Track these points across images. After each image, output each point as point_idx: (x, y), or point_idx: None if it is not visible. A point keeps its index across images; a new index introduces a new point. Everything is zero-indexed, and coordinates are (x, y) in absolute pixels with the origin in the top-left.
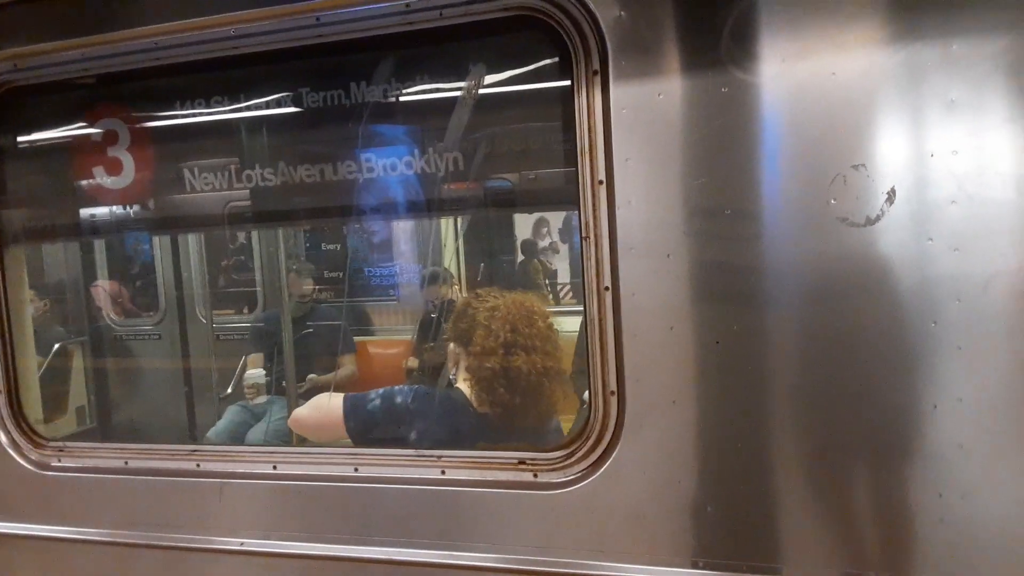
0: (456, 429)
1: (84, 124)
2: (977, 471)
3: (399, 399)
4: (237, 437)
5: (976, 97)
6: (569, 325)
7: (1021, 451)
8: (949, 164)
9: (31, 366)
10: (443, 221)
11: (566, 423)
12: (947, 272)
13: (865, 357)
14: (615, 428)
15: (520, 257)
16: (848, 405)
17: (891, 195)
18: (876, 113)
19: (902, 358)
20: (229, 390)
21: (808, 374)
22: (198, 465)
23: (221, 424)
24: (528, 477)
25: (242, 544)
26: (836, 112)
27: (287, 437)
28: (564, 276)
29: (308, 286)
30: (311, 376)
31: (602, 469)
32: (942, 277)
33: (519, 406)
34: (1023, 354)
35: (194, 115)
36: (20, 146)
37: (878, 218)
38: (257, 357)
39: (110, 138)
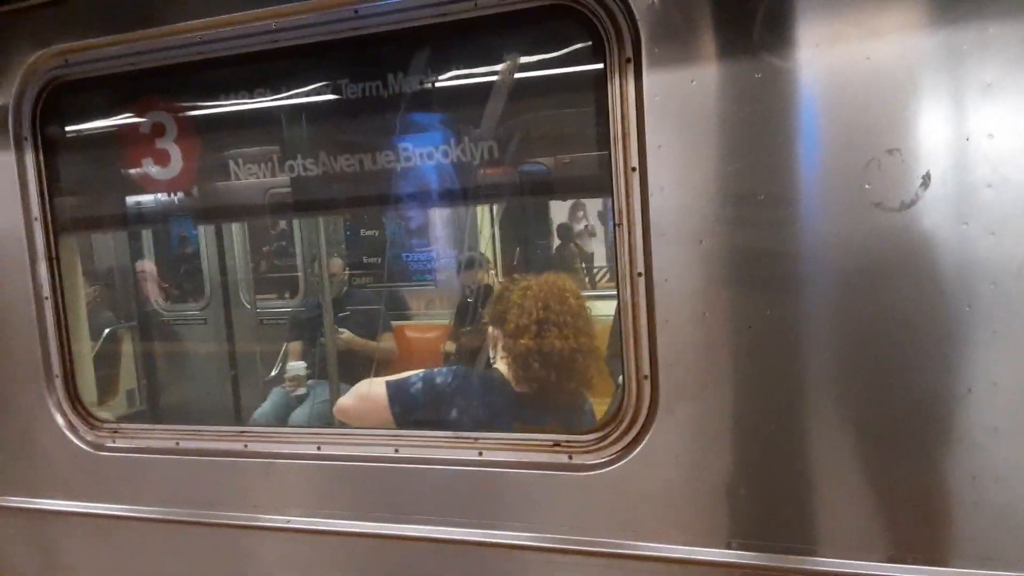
0: (494, 408)
1: (132, 117)
2: (1012, 455)
3: (439, 380)
4: (281, 419)
5: (1012, 80)
6: (605, 309)
7: None
8: (984, 148)
9: (85, 351)
10: (479, 207)
11: (600, 407)
12: (982, 256)
13: (899, 341)
14: (648, 412)
15: (556, 241)
16: (882, 389)
17: (926, 179)
18: (910, 97)
19: (937, 342)
20: (273, 373)
21: (841, 358)
22: (246, 446)
23: (266, 406)
24: (563, 459)
25: (288, 522)
26: (870, 97)
27: (329, 419)
28: (600, 260)
29: (340, 268)
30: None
31: (635, 451)
32: (977, 261)
33: (554, 383)
34: None
35: (238, 107)
36: (71, 138)
37: (913, 202)
38: (297, 345)
39: (158, 130)
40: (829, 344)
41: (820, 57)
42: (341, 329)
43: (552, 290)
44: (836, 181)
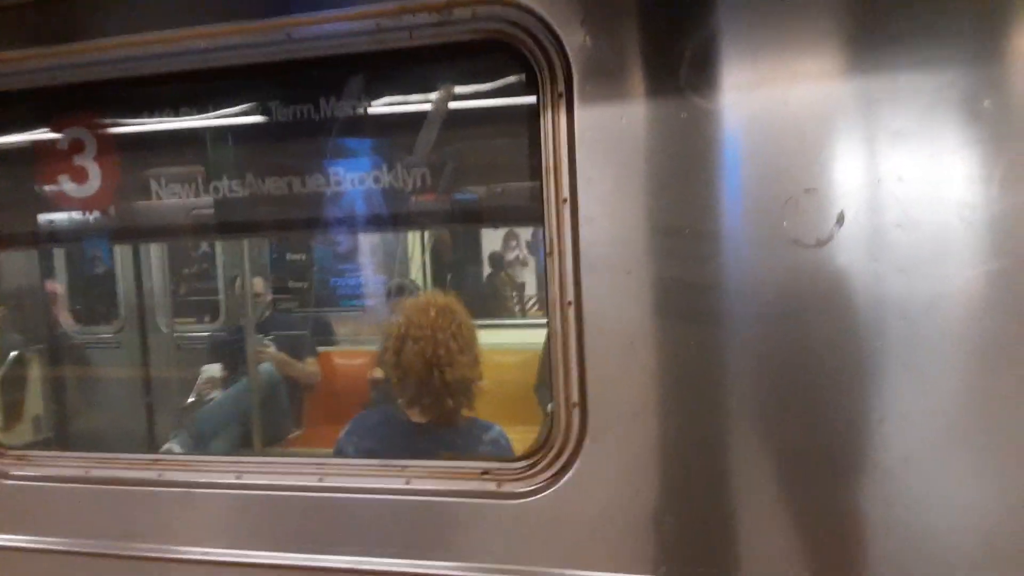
0: (399, 444)
1: (50, 132)
2: (921, 482)
3: (358, 426)
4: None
5: (920, 127)
6: (535, 338)
7: (963, 463)
8: (895, 190)
9: None
10: (411, 234)
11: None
12: (893, 292)
13: (817, 373)
14: (577, 439)
15: (488, 270)
16: (801, 419)
17: (840, 218)
18: (827, 140)
19: (851, 374)
20: (191, 398)
21: (763, 388)
22: (160, 475)
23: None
24: (492, 487)
25: (206, 554)
26: (789, 139)
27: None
28: (531, 289)
29: (262, 288)
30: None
31: (565, 479)
32: (888, 297)
33: (430, 403)
34: (965, 371)
35: (162, 126)
36: None
37: (828, 240)
38: (214, 367)
39: (76, 146)
40: (752, 375)
41: (743, 100)
42: (266, 341)
43: (415, 305)
44: (757, 217)
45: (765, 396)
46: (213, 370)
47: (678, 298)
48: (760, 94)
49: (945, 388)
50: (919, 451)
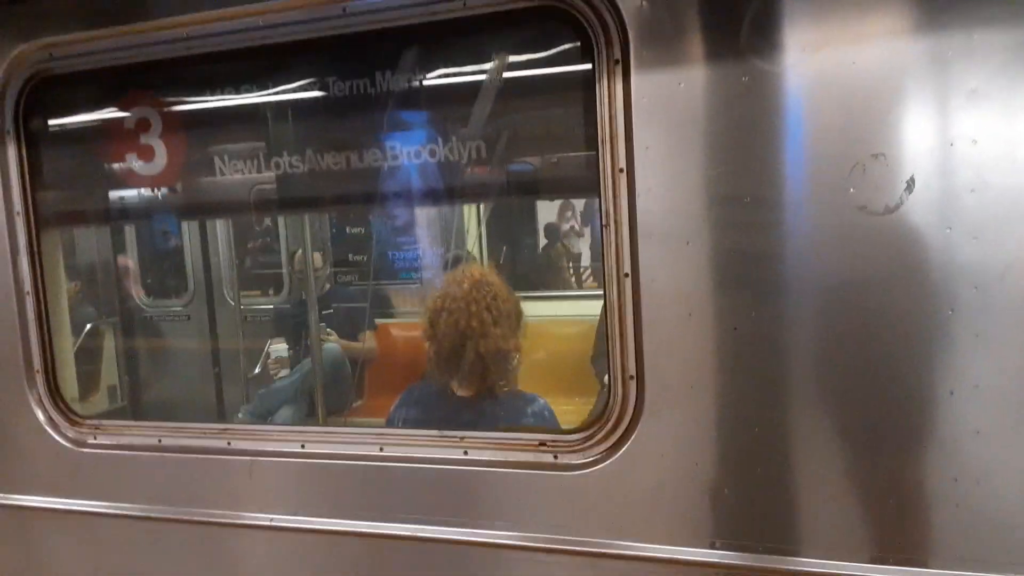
0: (444, 417)
1: (117, 111)
2: (992, 456)
3: (408, 398)
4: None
5: (996, 86)
6: (591, 309)
7: None
8: (968, 153)
9: (67, 346)
10: (466, 206)
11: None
12: (965, 260)
13: (882, 344)
14: (634, 411)
15: (543, 241)
16: (866, 391)
17: (910, 184)
18: (896, 102)
19: (919, 344)
20: (257, 370)
21: (825, 360)
22: (229, 443)
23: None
24: (548, 458)
25: (271, 520)
26: (856, 101)
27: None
28: (586, 260)
29: (320, 263)
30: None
31: (621, 451)
32: (960, 265)
33: (465, 374)
34: None
35: (224, 103)
36: (55, 133)
37: (897, 207)
38: (279, 342)
39: (143, 125)
40: (814, 346)
41: (807, 61)
42: (329, 330)
43: (452, 279)
44: (821, 184)
45: (828, 368)
46: (280, 349)
47: (738, 268)
48: (825, 55)
49: (1019, 359)
50: (991, 424)
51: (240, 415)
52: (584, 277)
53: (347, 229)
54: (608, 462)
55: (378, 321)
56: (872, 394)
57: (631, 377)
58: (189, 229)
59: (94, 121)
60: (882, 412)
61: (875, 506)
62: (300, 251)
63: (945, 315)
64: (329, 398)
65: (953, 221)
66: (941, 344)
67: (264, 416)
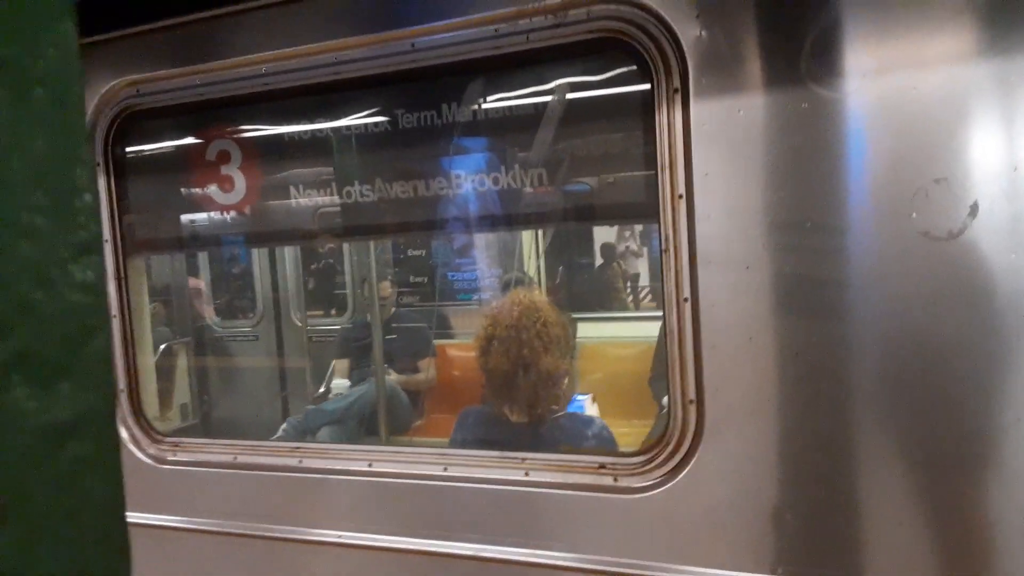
0: (501, 441)
1: (199, 143)
2: None
3: (464, 422)
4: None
5: None
6: (646, 330)
7: None
8: None
9: (149, 365)
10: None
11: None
12: None
13: (947, 370)
14: (694, 435)
15: (599, 261)
16: (931, 417)
17: (974, 209)
18: (958, 127)
19: (984, 371)
20: (321, 389)
21: (888, 386)
22: (300, 461)
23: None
24: (608, 481)
25: (340, 537)
26: (918, 126)
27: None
28: (644, 280)
29: (388, 292)
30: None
31: (681, 475)
32: None
33: (518, 401)
34: None
35: (299, 135)
36: (141, 164)
37: (961, 232)
38: (344, 363)
39: (223, 157)
40: (876, 372)
41: (867, 87)
42: (390, 370)
43: (502, 307)
44: (883, 210)
45: (891, 394)
46: (341, 385)
47: (799, 294)
48: (886, 80)
49: None
50: None
51: (284, 426)
52: (640, 297)
53: (409, 252)
54: (668, 486)
55: (438, 343)
56: (937, 420)
57: (691, 401)
58: (259, 253)
59: (177, 152)
60: (947, 438)
61: (942, 534)
62: (366, 280)
63: (1011, 342)
64: (390, 424)
65: (1017, 246)
66: (1006, 370)
67: (305, 433)
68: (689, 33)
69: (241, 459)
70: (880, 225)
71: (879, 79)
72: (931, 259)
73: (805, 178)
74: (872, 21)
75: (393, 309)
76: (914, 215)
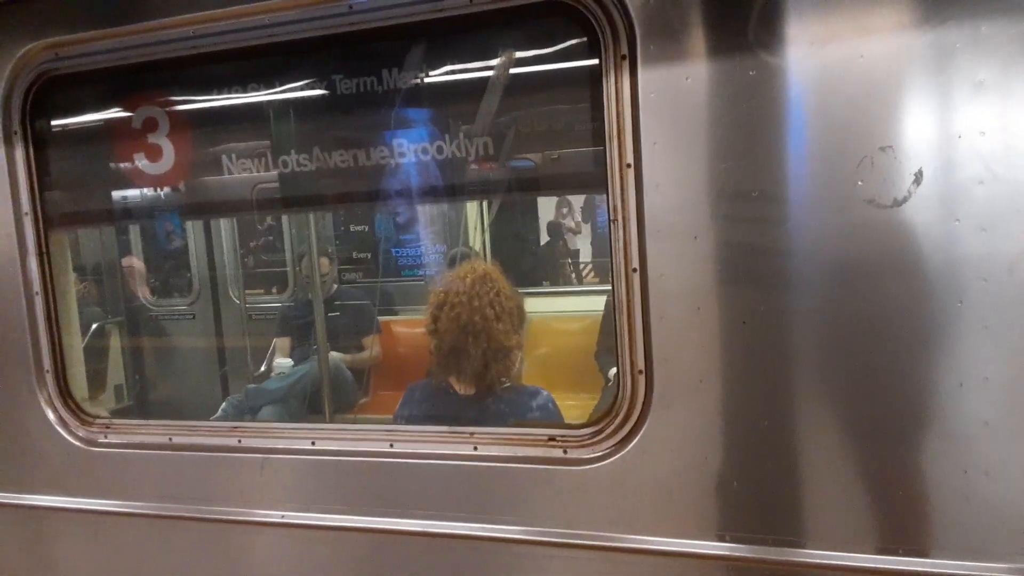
0: (452, 415)
1: (123, 111)
2: (1002, 448)
3: (410, 398)
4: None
5: (1004, 78)
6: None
7: None
8: (976, 145)
9: (76, 346)
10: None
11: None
12: (974, 252)
13: (891, 336)
14: (643, 406)
15: (545, 237)
16: (873, 384)
17: (918, 176)
18: (903, 95)
19: (928, 337)
20: (263, 368)
21: (833, 354)
22: (239, 441)
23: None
24: (558, 453)
25: (282, 517)
26: (863, 95)
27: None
28: (586, 256)
29: (328, 268)
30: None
31: (630, 446)
32: (969, 257)
33: (467, 371)
34: None
35: (231, 102)
36: (61, 132)
37: (905, 199)
38: (286, 340)
39: (150, 125)
40: (821, 339)
41: (814, 55)
42: (333, 353)
43: (456, 274)
44: (829, 178)
45: (837, 361)
46: (284, 364)
47: (746, 263)
48: (832, 48)
49: None
50: (999, 416)
51: (223, 406)
52: (584, 272)
53: (350, 226)
54: (617, 456)
55: (383, 319)
56: (881, 386)
57: (640, 372)
58: (194, 229)
59: (101, 121)
60: (891, 404)
61: (884, 498)
62: (306, 257)
63: (954, 307)
64: (334, 402)
65: (961, 213)
66: (950, 336)
67: (245, 413)
68: None
69: (177, 440)
70: (826, 193)
71: (825, 47)
72: (876, 226)
73: (752, 147)
74: None
75: (335, 286)
76: (860, 183)
